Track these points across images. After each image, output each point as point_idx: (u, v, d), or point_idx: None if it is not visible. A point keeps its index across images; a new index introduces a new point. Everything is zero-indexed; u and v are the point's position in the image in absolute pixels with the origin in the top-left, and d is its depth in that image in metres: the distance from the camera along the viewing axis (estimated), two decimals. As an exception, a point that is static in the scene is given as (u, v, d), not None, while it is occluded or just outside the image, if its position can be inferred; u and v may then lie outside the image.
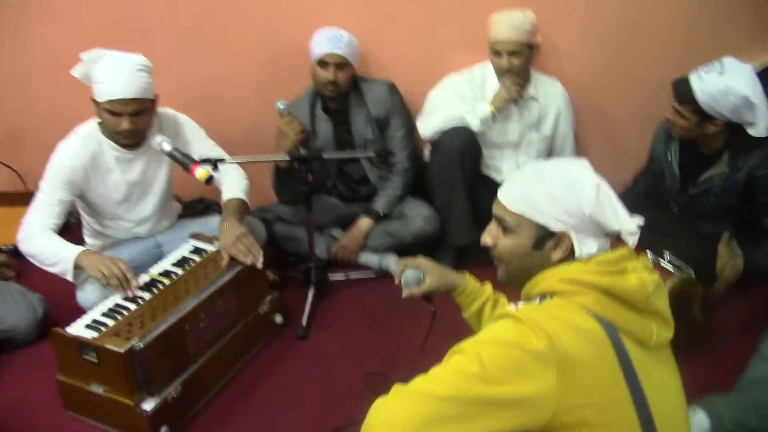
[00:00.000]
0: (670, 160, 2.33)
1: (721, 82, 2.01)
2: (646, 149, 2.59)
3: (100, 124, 2.17)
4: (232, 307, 2.06)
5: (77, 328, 1.84)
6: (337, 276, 2.55)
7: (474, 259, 2.54)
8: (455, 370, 1.08)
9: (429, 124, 2.57)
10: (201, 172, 1.99)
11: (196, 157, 2.11)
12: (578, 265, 1.18)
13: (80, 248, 2.08)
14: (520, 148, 2.67)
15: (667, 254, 2.01)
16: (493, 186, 2.66)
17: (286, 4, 2.73)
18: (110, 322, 1.85)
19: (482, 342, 1.11)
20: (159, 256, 2.38)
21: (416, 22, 2.75)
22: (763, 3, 2.68)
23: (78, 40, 2.34)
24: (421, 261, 1.60)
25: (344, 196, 2.71)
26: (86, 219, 2.35)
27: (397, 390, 1.09)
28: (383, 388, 1.09)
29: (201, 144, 2.31)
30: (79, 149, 2.14)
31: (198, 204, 2.87)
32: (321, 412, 1.92)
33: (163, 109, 2.27)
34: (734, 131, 2.12)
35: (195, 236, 2.29)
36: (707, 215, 2.30)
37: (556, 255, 1.21)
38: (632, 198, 2.48)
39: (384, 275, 2.54)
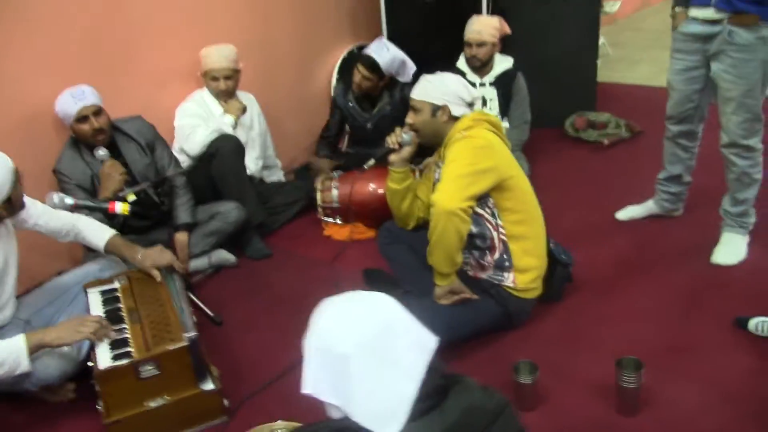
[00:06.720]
0: (352, 105, 3.56)
1: (390, 55, 3.36)
2: (300, 127, 3.91)
3: None
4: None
5: (109, 362, 1.95)
6: (195, 279, 2.92)
7: (270, 230, 3.34)
8: (460, 165, 2.15)
9: (195, 140, 3.15)
10: (121, 206, 2.26)
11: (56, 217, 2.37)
12: (473, 113, 2.31)
13: (19, 335, 2.01)
14: (248, 145, 3.44)
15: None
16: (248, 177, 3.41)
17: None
18: (131, 348, 2.01)
19: (460, 152, 2.18)
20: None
21: (132, 64, 3.18)
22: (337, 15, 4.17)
23: None
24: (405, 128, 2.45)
25: (140, 228, 2.98)
26: None
27: (442, 183, 2.12)
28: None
29: (46, 212, 2.38)
30: None
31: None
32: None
33: None
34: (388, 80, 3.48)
35: (91, 285, 2.38)
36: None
37: (444, 118, 2.32)
38: (328, 142, 3.73)
39: (220, 268, 3.06)
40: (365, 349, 1.12)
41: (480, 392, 1.22)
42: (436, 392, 1.16)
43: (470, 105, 2.34)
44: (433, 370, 1.17)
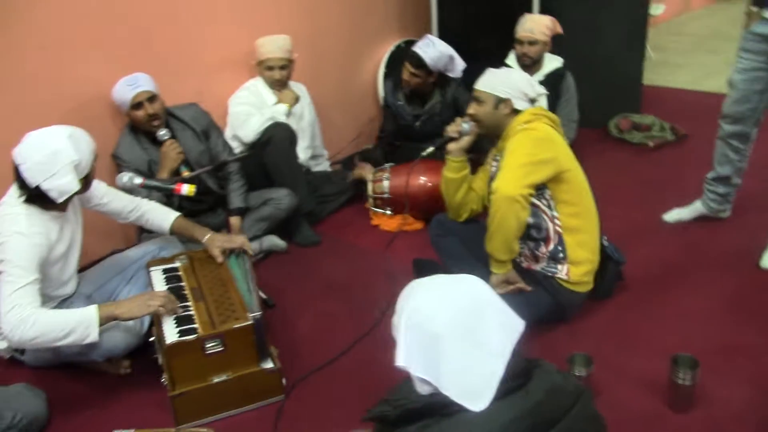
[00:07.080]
0: (401, 103, 3.59)
1: (436, 51, 3.36)
2: (345, 119, 3.97)
3: (30, 197, 2.11)
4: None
5: (176, 337, 2.01)
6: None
7: (318, 218, 3.39)
8: (521, 155, 2.20)
9: (250, 128, 3.22)
10: (188, 188, 2.32)
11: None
12: (533, 108, 2.35)
13: (92, 306, 2.07)
14: (298, 134, 3.50)
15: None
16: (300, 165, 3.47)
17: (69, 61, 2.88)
18: (196, 324, 2.08)
19: (521, 143, 2.23)
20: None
21: (186, 53, 3.26)
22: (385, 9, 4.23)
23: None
24: (465, 117, 2.50)
25: (193, 211, 3.05)
26: None
27: (503, 172, 2.18)
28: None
29: (109, 192, 2.46)
30: (38, 228, 2.10)
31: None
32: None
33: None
34: (439, 77, 3.50)
35: (153, 263, 2.46)
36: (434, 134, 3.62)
37: (506, 111, 2.36)
38: (386, 141, 3.71)
39: (270, 253, 3.12)
40: (456, 327, 1.17)
41: (560, 375, 1.26)
42: (522, 373, 1.21)
43: (532, 101, 2.37)
44: (517, 353, 1.22)
